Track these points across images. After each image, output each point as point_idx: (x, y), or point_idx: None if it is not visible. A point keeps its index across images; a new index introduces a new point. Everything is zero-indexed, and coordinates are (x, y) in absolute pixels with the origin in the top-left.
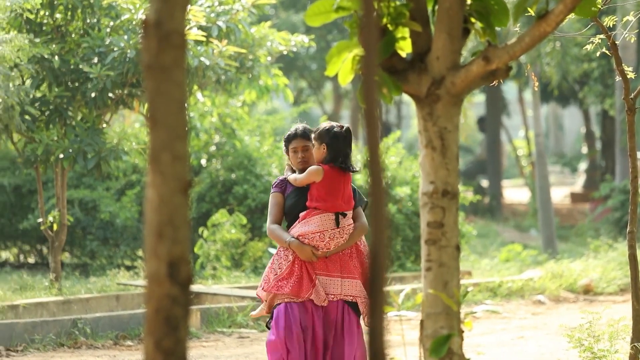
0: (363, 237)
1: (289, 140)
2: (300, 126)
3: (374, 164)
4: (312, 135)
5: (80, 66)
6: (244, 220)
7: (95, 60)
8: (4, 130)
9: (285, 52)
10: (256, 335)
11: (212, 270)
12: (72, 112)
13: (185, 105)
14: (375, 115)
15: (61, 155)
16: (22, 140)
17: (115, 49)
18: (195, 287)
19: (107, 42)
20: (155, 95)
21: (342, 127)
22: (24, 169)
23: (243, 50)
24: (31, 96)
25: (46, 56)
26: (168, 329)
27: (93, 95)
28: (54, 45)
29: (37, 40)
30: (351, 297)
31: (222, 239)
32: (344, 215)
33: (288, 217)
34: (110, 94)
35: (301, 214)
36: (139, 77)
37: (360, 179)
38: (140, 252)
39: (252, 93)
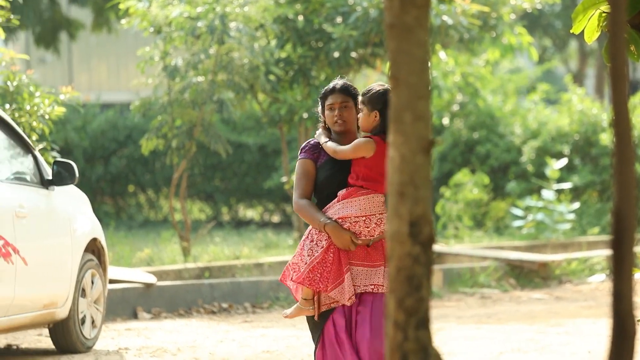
0: None
1: (325, 96)
2: (340, 81)
3: (621, 123)
4: (361, 99)
5: (324, 26)
6: (487, 180)
7: (339, 20)
8: (250, 90)
9: (529, 10)
10: (499, 295)
11: (454, 230)
12: (315, 71)
13: (428, 64)
14: (622, 73)
15: (305, 115)
16: (267, 100)
17: (359, 8)
18: (437, 247)
19: (350, 2)
20: (398, 55)
21: None
22: (268, 129)
23: (486, 9)
24: (276, 56)
25: (290, 16)
26: (410, 288)
27: (336, 55)
28: (298, 6)
29: (282, 0)
30: None
31: (464, 199)
32: None
33: (319, 193)
34: (353, 54)
35: (340, 193)
36: (382, 36)
37: (605, 138)
38: None
39: (496, 52)
